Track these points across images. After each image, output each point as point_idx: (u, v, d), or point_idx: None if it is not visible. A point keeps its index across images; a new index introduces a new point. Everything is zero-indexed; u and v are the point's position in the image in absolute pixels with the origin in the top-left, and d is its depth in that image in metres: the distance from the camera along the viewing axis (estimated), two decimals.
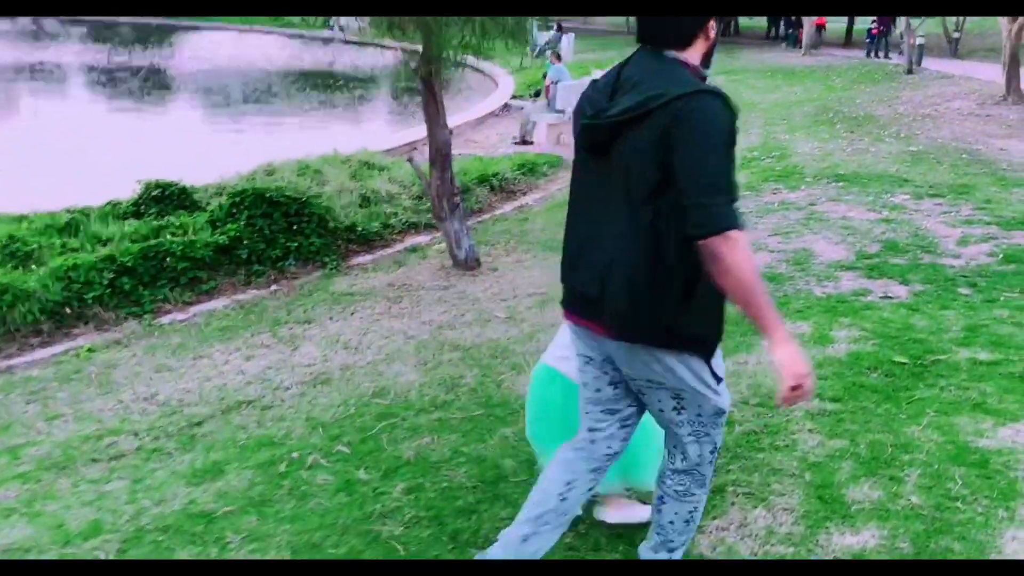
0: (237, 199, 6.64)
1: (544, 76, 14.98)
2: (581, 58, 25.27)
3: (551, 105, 12.76)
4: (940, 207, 7.52)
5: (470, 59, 22.21)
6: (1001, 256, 5.85)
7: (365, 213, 7.73)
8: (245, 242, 6.39)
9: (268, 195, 6.67)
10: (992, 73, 17.17)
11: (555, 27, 27.04)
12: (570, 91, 12.59)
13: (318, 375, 4.34)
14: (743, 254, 1.90)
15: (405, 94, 21.72)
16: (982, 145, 10.74)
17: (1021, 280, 5.33)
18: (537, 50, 26.47)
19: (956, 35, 25.79)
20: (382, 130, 15.61)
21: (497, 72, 23.90)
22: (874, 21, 25.20)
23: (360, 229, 7.29)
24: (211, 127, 16.15)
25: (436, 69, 5.95)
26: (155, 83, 21.82)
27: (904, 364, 4.06)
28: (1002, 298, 5.00)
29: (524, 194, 9.89)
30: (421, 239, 7.50)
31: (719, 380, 2.17)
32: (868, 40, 25.57)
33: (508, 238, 7.47)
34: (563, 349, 2.65)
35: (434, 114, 6.11)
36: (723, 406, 2.22)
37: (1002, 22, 14.83)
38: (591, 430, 2.36)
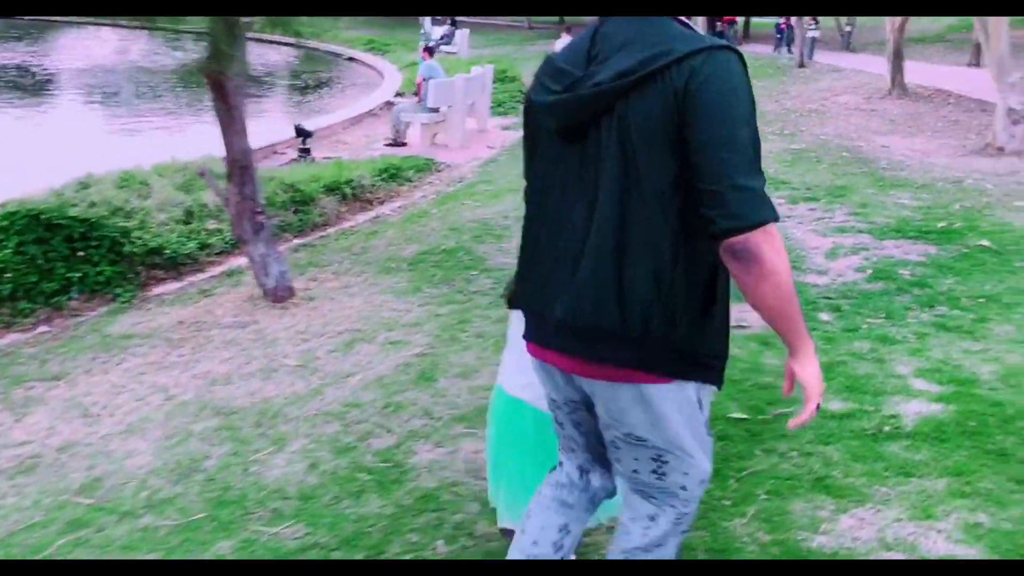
0: (5, 223, 5.62)
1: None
2: (477, 54, 24.52)
3: (424, 103, 11.92)
4: (814, 212, 6.99)
5: (359, 53, 21.05)
6: (870, 272, 5.29)
7: (183, 231, 6.78)
8: (9, 275, 5.39)
9: (45, 216, 5.67)
10: (882, 66, 17.08)
11: (448, 21, 26.16)
12: (443, 88, 11.79)
13: (26, 459, 3.43)
14: (783, 253, 1.55)
15: (297, 91, 20.63)
16: (864, 142, 10.38)
17: (887, 301, 4.75)
18: (434, 44, 25.55)
19: (848, 29, 25.97)
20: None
21: (387, 67, 22.93)
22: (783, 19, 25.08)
23: (168, 252, 6.34)
24: (71, 129, 14.77)
25: (226, 66, 5.04)
26: (18, 83, 20.13)
27: (743, 421, 3.39)
28: (864, 326, 4.40)
29: (382, 203, 9.05)
30: (243, 261, 6.58)
31: (710, 436, 1.82)
32: (777, 36, 25.29)
33: (346, 257, 6.62)
34: (524, 373, 2.20)
35: (227, 119, 5.21)
36: (709, 472, 1.83)
37: (886, 17, 14.65)
38: (581, 470, 2.00)
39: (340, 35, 32.63)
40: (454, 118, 12.13)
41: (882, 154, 9.54)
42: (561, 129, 1.67)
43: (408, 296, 5.45)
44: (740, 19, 33.07)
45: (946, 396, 3.51)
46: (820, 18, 25.13)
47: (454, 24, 26.00)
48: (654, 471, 1.78)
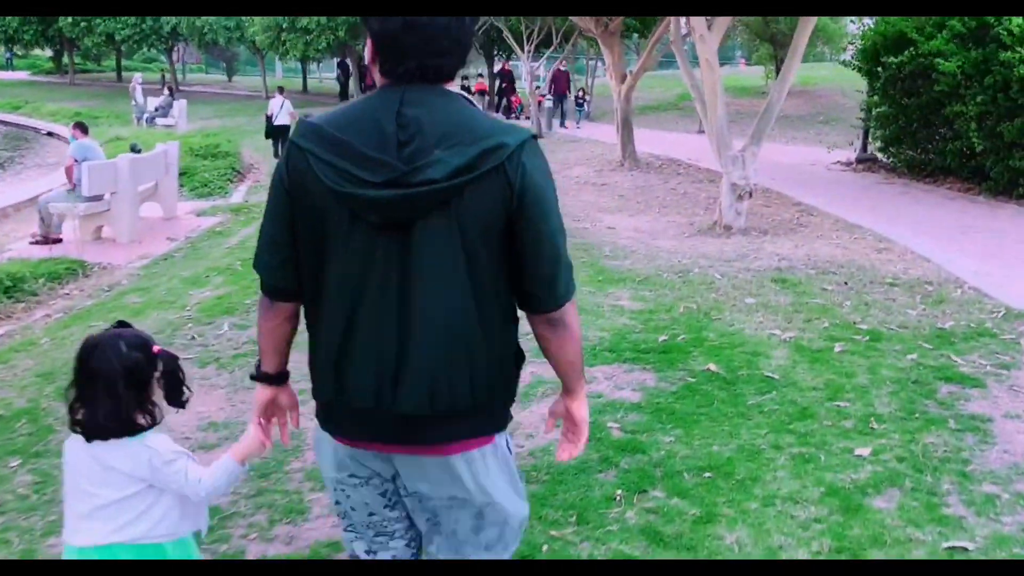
0: None
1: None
2: (202, 126, 22.16)
3: (77, 190, 9.64)
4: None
5: (61, 128, 17.86)
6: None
7: None
8: None
9: None
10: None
11: (166, 91, 23.61)
12: (100, 172, 9.61)
13: None
14: (578, 314, 1.79)
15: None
16: (591, 223, 9.37)
17: (584, 487, 3.27)
18: (145, 116, 22.91)
19: (587, 98, 26.19)
20: None
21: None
22: (538, 89, 23.85)
23: None
24: None
25: None
26: None
27: None
28: (544, 547, 2.89)
29: None
30: None
31: (521, 483, 1.90)
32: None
33: None
34: (113, 518, 2.03)
35: None
36: (526, 512, 1.92)
37: (612, 85, 14.17)
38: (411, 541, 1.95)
39: (42, 108, 29.04)
40: (120, 207, 9.95)
41: (608, 237, 8.50)
42: (385, 223, 1.62)
43: None
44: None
45: None
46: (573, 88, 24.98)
47: (172, 94, 23.47)
48: (473, 528, 1.83)
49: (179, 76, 38.92)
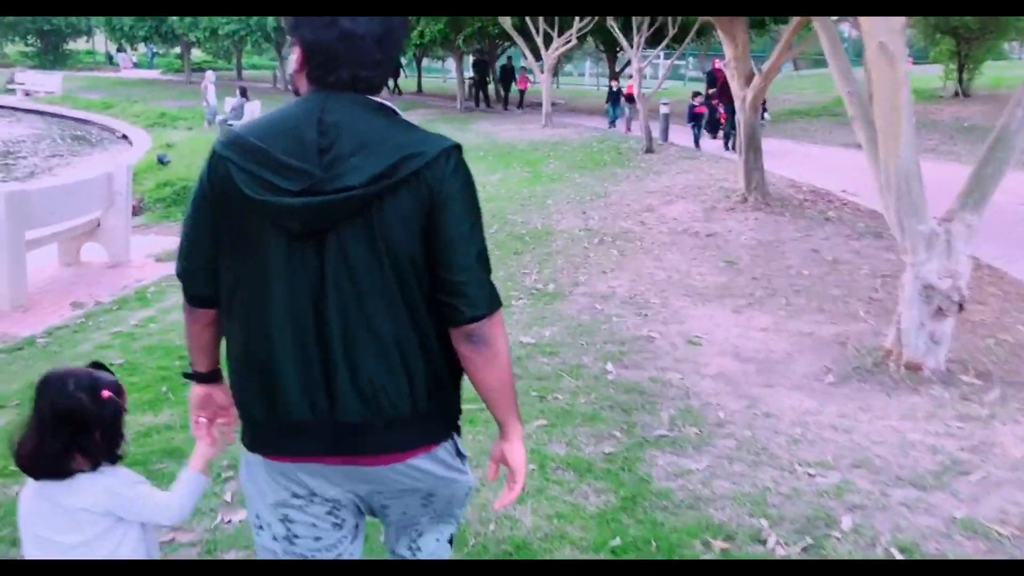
0: None
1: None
2: None
3: None
4: None
5: (123, 126, 16.43)
6: None
7: None
8: None
9: None
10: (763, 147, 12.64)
11: (239, 92, 21.09)
12: None
13: None
14: (507, 336, 1.70)
15: None
16: (662, 322, 5.53)
17: None
18: (218, 119, 20.51)
19: (765, 109, 21.60)
20: None
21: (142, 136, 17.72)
22: (697, 96, 17.54)
23: None
24: None
25: None
26: None
27: None
28: None
29: None
30: None
31: (464, 458, 1.85)
32: (691, 124, 16.42)
33: None
34: None
35: None
36: (472, 483, 1.90)
37: (735, 89, 10.14)
38: None
39: (128, 108, 27.47)
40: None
41: (679, 370, 4.66)
42: (306, 232, 1.60)
43: None
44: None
45: None
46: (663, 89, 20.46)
47: (245, 95, 20.91)
48: (423, 504, 1.81)
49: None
